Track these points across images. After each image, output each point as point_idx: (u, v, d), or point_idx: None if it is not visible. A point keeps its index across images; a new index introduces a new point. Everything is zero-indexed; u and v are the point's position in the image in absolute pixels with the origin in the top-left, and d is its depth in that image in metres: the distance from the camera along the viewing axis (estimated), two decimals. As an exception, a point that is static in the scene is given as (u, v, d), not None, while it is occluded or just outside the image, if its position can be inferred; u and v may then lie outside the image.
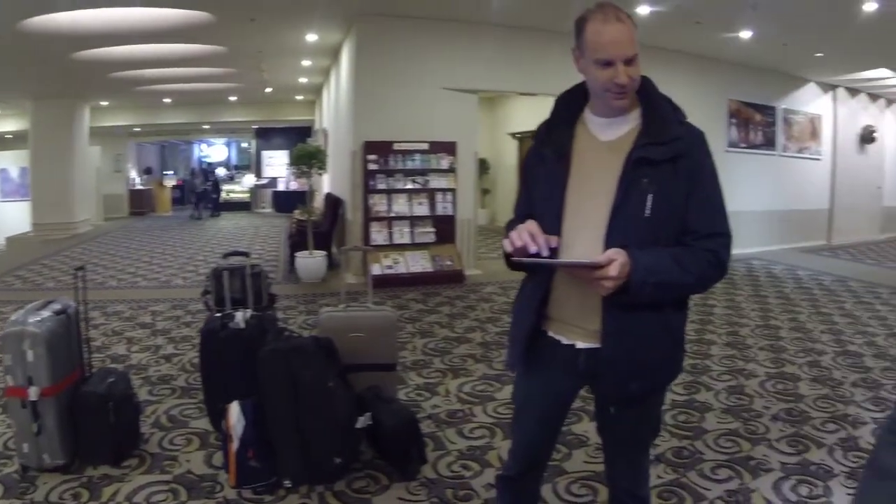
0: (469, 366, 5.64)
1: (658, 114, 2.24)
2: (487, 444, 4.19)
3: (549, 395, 2.46)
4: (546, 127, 2.38)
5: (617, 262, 2.01)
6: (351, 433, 3.75)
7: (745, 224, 11.03)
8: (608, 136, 2.27)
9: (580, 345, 2.27)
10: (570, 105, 2.37)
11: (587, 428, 4.45)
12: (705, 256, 2.17)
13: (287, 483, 3.61)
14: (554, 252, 2.17)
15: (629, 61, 2.13)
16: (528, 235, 2.13)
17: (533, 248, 2.10)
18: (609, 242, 2.13)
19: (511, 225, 2.36)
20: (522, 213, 2.37)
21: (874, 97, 16.34)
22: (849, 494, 3.85)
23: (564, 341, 2.30)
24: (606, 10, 2.14)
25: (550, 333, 2.33)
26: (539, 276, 2.31)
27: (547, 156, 2.30)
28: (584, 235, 2.21)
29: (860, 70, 13.53)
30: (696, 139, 2.24)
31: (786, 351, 6.56)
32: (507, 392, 5.13)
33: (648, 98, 2.26)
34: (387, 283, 8.82)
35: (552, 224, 2.22)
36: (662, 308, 2.22)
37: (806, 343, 6.87)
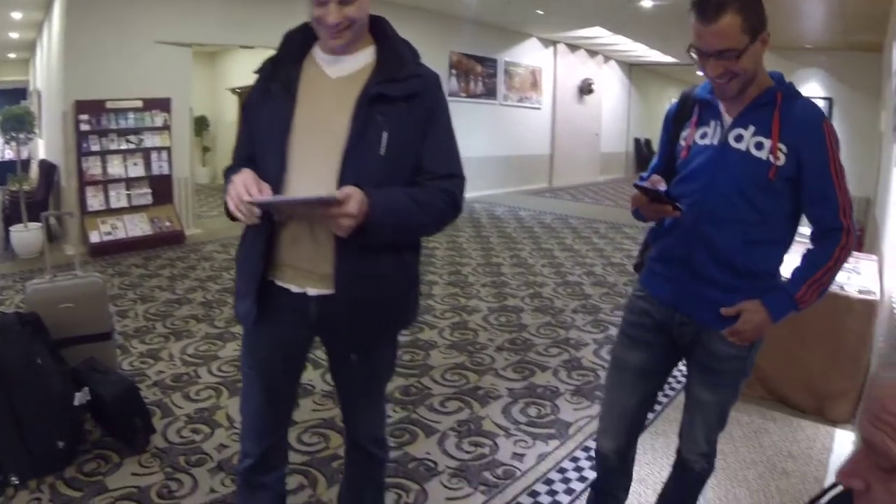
0: (191, 327, 5.40)
1: (394, 52, 2.16)
2: (215, 404, 4.01)
3: (280, 353, 2.30)
4: (272, 63, 2.20)
5: (354, 198, 1.90)
6: (70, 412, 3.40)
7: (466, 170, 11.33)
8: (339, 72, 2.15)
9: (312, 292, 2.13)
10: (299, 41, 2.20)
11: (312, 376, 4.42)
12: (441, 196, 2.14)
13: (14, 480, 3.20)
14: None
15: (345, 1, 2.01)
16: (243, 189, 1.93)
17: (246, 198, 1.91)
18: (343, 182, 2.00)
19: (230, 171, 2.16)
20: (243, 155, 2.21)
21: (593, 53, 18.10)
22: (576, 409, 4.15)
23: (295, 290, 2.14)
24: None
25: (279, 283, 2.16)
26: (263, 219, 2.07)
27: (274, 91, 2.13)
28: (314, 176, 2.06)
29: (578, 28, 14.73)
30: (434, 80, 2.19)
31: (508, 286, 6.93)
32: (230, 350, 4.96)
33: (384, 36, 2.19)
34: (107, 251, 8.25)
35: (275, 164, 2.07)
36: (398, 248, 2.18)
37: (528, 277, 7.29)
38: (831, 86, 8.67)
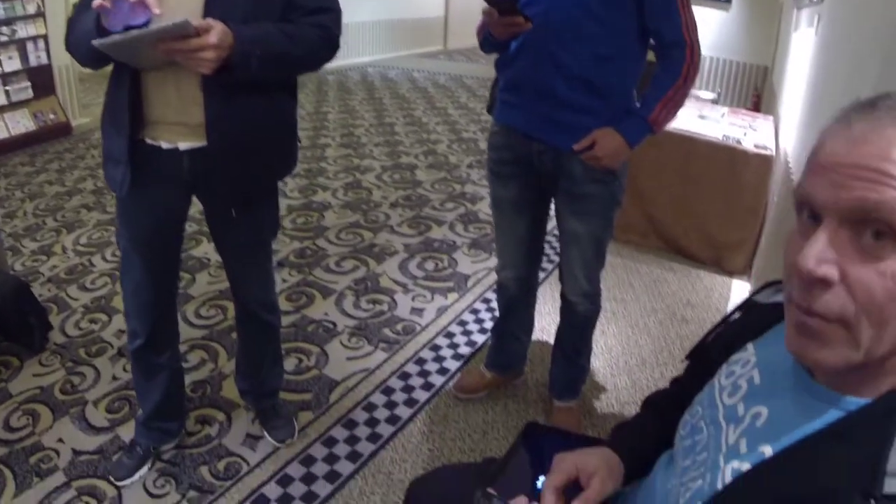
0: (83, 217, 5.11)
1: None
2: (111, 290, 3.81)
3: (158, 219, 2.16)
4: None
5: (216, 28, 1.75)
6: (-40, 321, 3.19)
7: (356, 34, 11.05)
8: None
9: (183, 146, 2.00)
10: None
11: (206, 249, 4.21)
12: (315, 31, 2.02)
13: None
14: None
15: None
16: None
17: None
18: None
19: (82, 8, 1.91)
20: None
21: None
22: (473, 262, 4.11)
23: (166, 146, 2.01)
24: None
25: (149, 140, 2.01)
26: (124, 73, 1.94)
27: None
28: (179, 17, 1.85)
29: None
30: None
31: (401, 144, 6.73)
32: (124, 232, 4.74)
33: None
34: (-11, 154, 7.78)
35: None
36: (271, 92, 2.07)
37: (421, 135, 7.10)
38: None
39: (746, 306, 1.19)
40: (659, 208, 4.30)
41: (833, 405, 0.85)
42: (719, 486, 0.92)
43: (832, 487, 0.77)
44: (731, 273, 4.12)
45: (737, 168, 4.02)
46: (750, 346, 1.07)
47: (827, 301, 0.78)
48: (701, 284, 4.00)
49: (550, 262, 3.99)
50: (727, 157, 4.04)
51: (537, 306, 2.97)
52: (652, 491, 1.15)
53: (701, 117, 4.47)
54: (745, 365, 1.04)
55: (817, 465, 0.81)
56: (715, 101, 5.19)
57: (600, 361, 3.25)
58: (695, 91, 5.30)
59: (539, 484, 1.17)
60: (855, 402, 0.84)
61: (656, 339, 3.44)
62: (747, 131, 4.42)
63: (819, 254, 0.78)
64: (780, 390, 0.94)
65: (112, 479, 2.48)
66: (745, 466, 0.90)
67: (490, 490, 1.12)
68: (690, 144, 4.12)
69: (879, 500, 0.72)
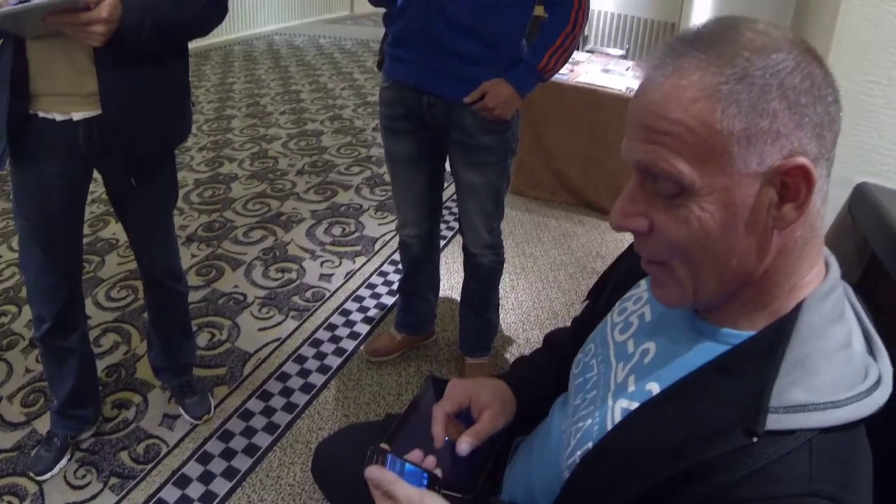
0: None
1: None
2: (19, 281, 3.54)
3: (56, 195, 2.01)
4: None
5: (106, 1, 1.66)
6: None
7: (261, 2, 10.59)
8: None
9: (77, 116, 1.88)
10: None
11: (115, 230, 3.97)
12: None
13: None
14: None
15: None
16: None
17: None
18: None
19: None
20: None
21: None
22: (380, 224, 4.00)
23: (59, 118, 1.88)
24: None
25: (41, 114, 1.88)
26: (6, 44, 1.81)
27: None
28: None
29: None
30: None
31: (307, 111, 6.48)
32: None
33: None
34: None
35: None
36: (163, 57, 1.96)
37: (327, 101, 6.85)
38: None
39: None
40: (566, 164, 4.20)
41: (714, 339, 0.83)
42: (609, 425, 0.88)
43: (716, 424, 0.73)
44: (640, 225, 4.07)
45: (642, 121, 3.93)
46: (643, 283, 1.04)
47: (645, 247, 0.81)
48: (610, 236, 3.93)
49: (458, 220, 3.90)
50: (630, 108, 3.95)
51: (446, 265, 2.90)
52: (548, 434, 1.11)
53: (605, 71, 4.35)
54: (637, 301, 1.02)
55: (701, 402, 0.77)
56: (624, 57, 5.11)
57: (511, 317, 3.19)
58: (602, 48, 5.22)
59: None
60: (737, 335, 0.81)
61: (567, 292, 3.39)
62: (649, 82, 4.34)
63: (622, 209, 0.80)
64: (668, 327, 0.91)
65: (32, 474, 2.35)
66: (633, 405, 0.86)
67: (383, 445, 1.06)
68: (595, 98, 3.98)
69: (762, 436, 0.68)
